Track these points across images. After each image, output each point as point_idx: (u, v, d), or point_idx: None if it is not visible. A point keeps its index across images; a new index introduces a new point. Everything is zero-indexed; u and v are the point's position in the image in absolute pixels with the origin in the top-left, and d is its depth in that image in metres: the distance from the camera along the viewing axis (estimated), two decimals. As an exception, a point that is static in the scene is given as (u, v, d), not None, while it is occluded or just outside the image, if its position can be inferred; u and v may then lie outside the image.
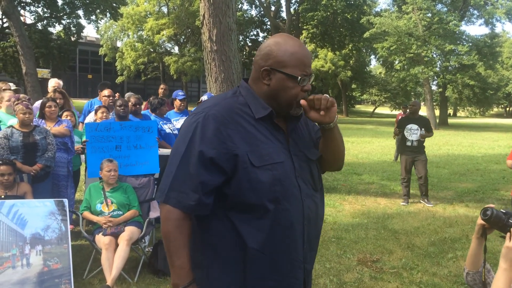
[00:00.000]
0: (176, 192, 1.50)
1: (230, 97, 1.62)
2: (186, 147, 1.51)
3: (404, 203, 7.25)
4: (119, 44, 41.11)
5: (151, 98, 6.20)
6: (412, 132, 7.15)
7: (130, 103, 5.75)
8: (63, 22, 28.44)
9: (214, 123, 1.50)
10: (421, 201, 7.32)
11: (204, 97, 6.74)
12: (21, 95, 4.82)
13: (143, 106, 6.87)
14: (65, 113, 5.43)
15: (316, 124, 1.78)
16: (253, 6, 38.29)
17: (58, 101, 5.56)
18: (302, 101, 1.60)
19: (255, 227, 1.52)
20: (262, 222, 1.52)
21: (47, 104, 5.08)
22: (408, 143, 7.23)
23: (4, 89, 5.58)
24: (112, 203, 4.35)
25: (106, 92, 6.23)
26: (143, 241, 4.49)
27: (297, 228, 1.58)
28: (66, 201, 4.01)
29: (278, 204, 1.52)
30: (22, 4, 26.08)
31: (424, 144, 7.39)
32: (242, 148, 1.50)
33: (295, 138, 1.66)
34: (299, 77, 1.56)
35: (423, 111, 41.07)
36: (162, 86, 8.15)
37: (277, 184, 1.52)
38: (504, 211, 1.70)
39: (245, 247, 1.52)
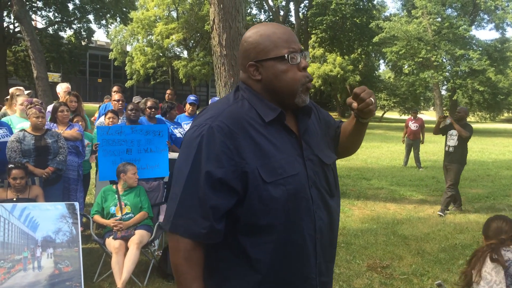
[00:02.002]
0: (183, 219, 1.34)
1: (233, 102, 1.43)
2: (191, 167, 1.34)
3: (448, 210, 7.10)
4: (128, 48, 41.42)
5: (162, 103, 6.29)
6: (451, 138, 6.96)
7: (146, 106, 5.80)
8: (74, 26, 28.74)
9: (219, 137, 1.32)
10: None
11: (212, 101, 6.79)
12: (34, 99, 4.87)
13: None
14: (75, 119, 5.47)
15: (333, 119, 1.70)
16: (262, 10, 38.37)
17: (73, 103, 5.63)
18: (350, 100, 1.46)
19: (266, 250, 1.38)
20: (274, 243, 1.39)
21: (59, 109, 5.13)
22: (446, 148, 7.08)
23: (17, 95, 5.64)
24: (125, 205, 4.38)
25: (116, 96, 6.27)
26: (153, 244, 4.51)
27: (309, 243, 1.45)
28: (77, 204, 4.03)
29: (289, 220, 1.39)
30: (33, 9, 26.39)
31: (462, 154, 6.92)
32: (252, 163, 1.33)
33: (308, 140, 1.49)
34: (286, 55, 1.39)
35: (432, 116, 40.66)
36: (168, 91, 8.50)
37: (290, 199, 1.38)
38: None
39: (256, 271, 1.39)
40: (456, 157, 6.91)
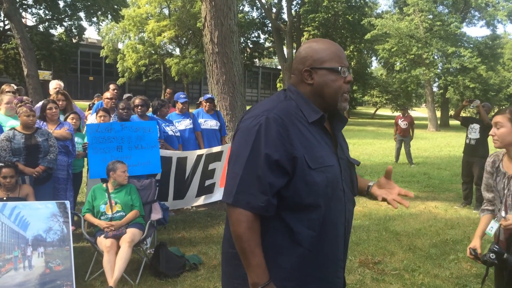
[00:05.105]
0: (245, 194, 1.55)
1: (284, 100, 1.67)
2: (250, 150, 1.55)
3: (457, 206, 7.24)
4: (120, 46, 41.12)
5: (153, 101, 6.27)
6: (472, 131, 7.04)
7: (134, 105, 5.77)
8: (65, 24, 28.50)
9: (275, 126, 1.55)
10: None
11: (201, 99, 6.85)
12: (24, 97, 4.82)
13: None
14: (71, 116, 5.42)
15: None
16: (254, 8, 38.26)
17: (60, 102, 5.57)
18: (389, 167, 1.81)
19: (307, 226, 1.59)
20: (314, 222, 1.60)
21: (48, 106, 5.09)
22: (467, 140, 7.16)
23: (7, 91, 5.59)
24: (116, 204, 4.36)
25: (108, 94, 6.23)
26: (145, 243, 4.49)
27: (340, 229, 1.68)
28: (68, 203, 4.02)
29: (327, 205, 1.61)
30: (24, 6, 26.13)
31: (485, 147, 6.98)
32: (300, 150, 1.56)
33: (341, 143, 1.76)
34: (340, 67, 1.64)
35: (423, 113, 40.66)
36: (168, 90, 8.52)
37: (329, 185, 1.60)
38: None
39: (296, 245, 1.59)
40: (478, 151, 6.98)
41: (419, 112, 51.39)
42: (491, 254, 2.42)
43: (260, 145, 1.54)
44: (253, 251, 1.55)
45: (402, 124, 11.88)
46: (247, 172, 1.55)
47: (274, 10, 36.55)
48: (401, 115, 12.14)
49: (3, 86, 5.75)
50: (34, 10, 27.20)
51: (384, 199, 1.79)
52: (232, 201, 1.56)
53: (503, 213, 2.53)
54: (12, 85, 6.27)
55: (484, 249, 2.55)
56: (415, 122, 12.40)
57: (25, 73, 15.69)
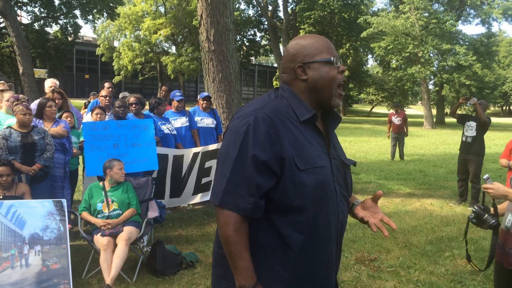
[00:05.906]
0: (232, 196, 1.51)
1: (274, 99, 1.63)
2: (238, 150, 1.51)
3: (452, 204, 7.26)
4: (116, 44, 41.01)
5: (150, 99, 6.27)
6: (469, 128, 7.06)
7: (128, 103, 5.76)
8: (60, 22, 28.39)
9: (264, 126, 1.51)
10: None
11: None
12: (21, 96, 4.81)
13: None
14: (64, 114, 5.42)
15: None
16: (251, 6, 38.24)
17: (56, 101, 5.56)
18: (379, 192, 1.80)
19: (296, 229, 1.55)
20: (303, 224, 1.55)
21: (47, 104, 5.07)
22: (463, 138, 7.18)
23: (2, 90, 5.57)
24: (112, 202, 4.36)
25: (103, 92, 6.22)
26: (142, 241, 4.50)
27: (333, 231, 1.64)
28: (64, 201, 4.01)
29: (317, 207, 1.56)
30: (18, 4, 26.00)
31: (479, 145, 7.06)
32: (289, 151, 1.52)
33: (334, 142, 1.72)
34: (332, 58, 1.62)
35: (419, 110, 40.75)
36: (163, 87, 8.51)
37: (319, 187, 1.55)
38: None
39: (286, 248, 1.55)
40: (474, 149, 7.01)
41: (415, 109, 51.52)
42: (471, 214, 2.62)
43: (248, 146, 1.50)
44: (240, 253, 1.51)
45: (396, 120, 11.96)
46: (234, 173, 1.51)
47: (270, 8, 36.56)
48: (394, 112, 12.22)
49: None
50: (29, 8, 27.13)
51: (363, 221, 1.76)
52: (219, 202, 1.52)
53: None
54: (2, 81, 6.25)
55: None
56: (411, 119, 12.47)
57: (21, 71, 15.63)
